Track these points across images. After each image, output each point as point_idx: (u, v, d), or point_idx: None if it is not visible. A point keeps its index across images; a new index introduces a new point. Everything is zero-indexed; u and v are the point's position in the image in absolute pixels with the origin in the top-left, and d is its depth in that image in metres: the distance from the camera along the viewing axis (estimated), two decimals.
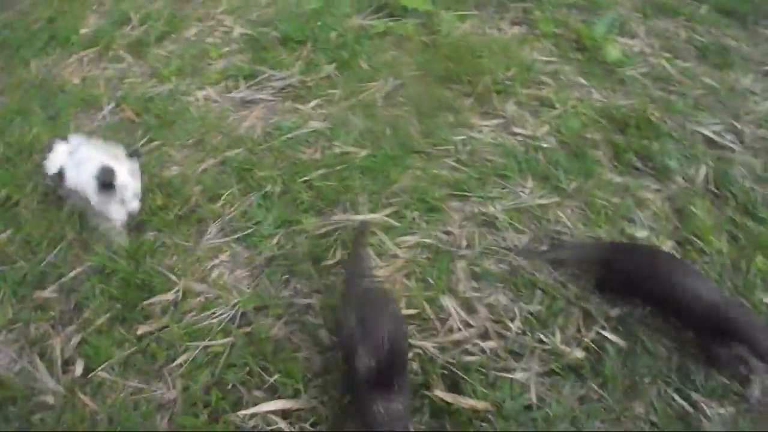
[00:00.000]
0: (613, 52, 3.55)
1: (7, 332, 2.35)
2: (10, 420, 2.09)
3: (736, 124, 3.16)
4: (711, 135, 3.11)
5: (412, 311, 2.37)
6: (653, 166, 2.95)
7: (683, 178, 2.90)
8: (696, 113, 3.22)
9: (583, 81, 3.42)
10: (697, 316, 2.16)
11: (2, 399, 2.14)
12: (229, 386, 2.19)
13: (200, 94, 3.41)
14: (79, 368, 2.23)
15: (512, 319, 2.35)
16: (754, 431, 2.05)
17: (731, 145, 3.06)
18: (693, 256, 2.57)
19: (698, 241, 2.63)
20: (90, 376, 2.22)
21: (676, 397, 2.16)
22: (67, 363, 2.26)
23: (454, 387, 2.16)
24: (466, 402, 2.10)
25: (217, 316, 2.39)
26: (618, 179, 2.90)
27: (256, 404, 2.12)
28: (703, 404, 2.15)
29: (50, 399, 2.14)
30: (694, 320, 2.21)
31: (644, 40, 3.76)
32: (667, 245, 2.62)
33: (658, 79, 3.45)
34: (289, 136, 3.10)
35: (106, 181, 2.44)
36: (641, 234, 2.66)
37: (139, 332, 2.31)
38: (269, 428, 2.06)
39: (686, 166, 2.95)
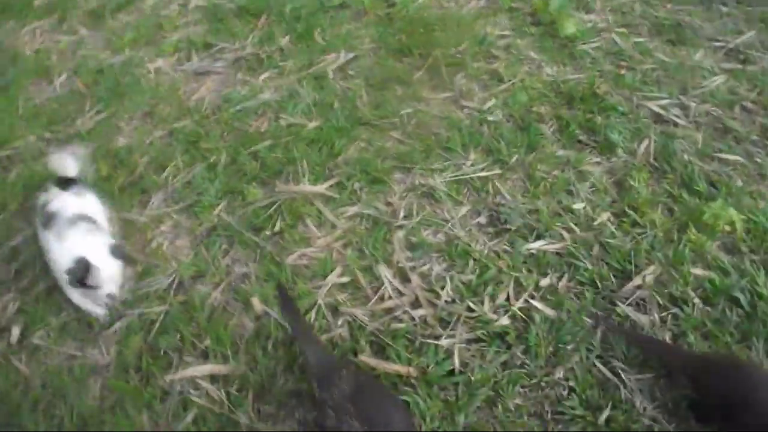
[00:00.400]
0: (567, 27, 3.56)
1: None
2: None
3: (682, 98, 3.19)
4: (657, 109, 3.13)
5: (345, 279, 2.41)
6: (596, 140, 2.98)
7: (625, 152, 2.93)
8: (644, 88, 3.24)
9: (534, 55, 3.44)
10: None
11: None
12: (161, 352, 2.22)
13: (153, 66, 3.41)
14: (14, 335, 2.26)
15: (443, 288, 2.38)
16: None
17: (676, 119, 3.08)
18: (627, 228, 2.60)
19: (633, 214, 2.66)
20: (25, 342, 2.24)
21: (597, 364, 2.21)
22: (3, 331, 2.28)
23: (381, 353, 2.20)
24: (391, 367, 2.15)
25: (154, 284, 2.42)
26: (561, 152, 2.93)
27: (185, 368, 2.16)
28: (622, 371, 2.18)
29: None
30: None
31: (600, 14, 3.76)
32: (603, 217, 2.65)
33: (609, 54, 3.46)
34: (238, 108, 3.12)
35: (81, 279, 2.18)
36: (578, 206, 2.69)
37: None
38: (196, 392, 2.09)
39: (629, 140, 2.98)
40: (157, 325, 2.29)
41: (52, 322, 2.30)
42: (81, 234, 2.27)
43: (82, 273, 2.15)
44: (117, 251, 2.29)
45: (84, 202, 2.44)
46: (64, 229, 2.27)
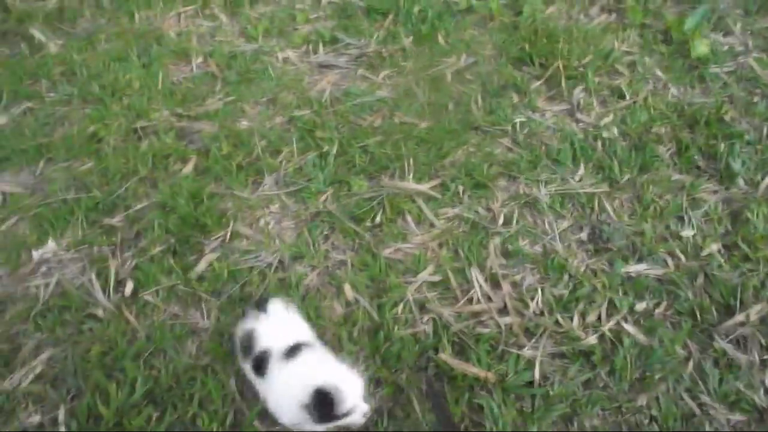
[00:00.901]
0: (699, 47, 3.42)
1: (74, 251, 2.62)
2: (65, 324, 2.35)
3: None
4: None
5: (436, 278, 2.45)
6: (716, 168, 2.85)
7: (746, 183, 2.78)
8: None
9: (660, 74, 3.33)
10: None
11: (62, 306, 2.41)
12: None
13: (282, 55, 3.58)
14: (128, 289, 2.46)
15: (533, 299, 2.37)
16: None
17: None
18: (737, 262, 2.48)
19: (746, 248, 2.53)
20: (137, 297, 2.44)
21: (685, 397, 2.13)
22: (120, 284, 2.49)
23: (462, 354, 2.23)
24: (470, 369, 2.17)
25: (258, 261, 2.56)
26: (676, 176, 2.83)
27: None
28: (711, 408, 2.09)
29: (100, 312, 2.39)
30: None
31: (739, 37, 3.58)
32: (713, 248, 2.54)
33: (743, 79, 3.29)
34: (356, 102, 3.22)
35: (329, 411, 1.77)
36: (687, 233, 2.60)
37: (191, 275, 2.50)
38: None
39: (753, 171, 2.83)
40: (256, 297, 2.40)
41: (163, 282, 2.48)
42: (307, 363, 1.89)
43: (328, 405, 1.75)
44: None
45: (289, 321, 2.09)
46: (283, 365, 1.89)
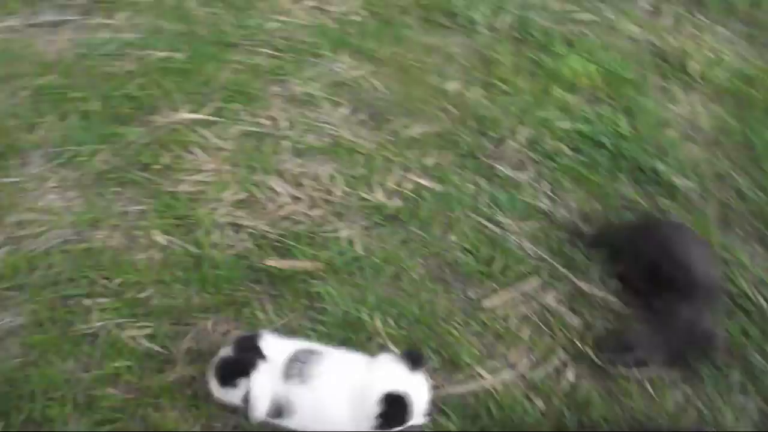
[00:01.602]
0: None
1: None
2: None
3: None
4: None
5: (241, 196, 2.48)
6: (459, 22, 3.09)
7: (487, 29, 3.06)
8: None
9: None
10: None
11: None
12: (74, 300, 2.25)
13: (2, 25, 3.24)
14: None
15: (335, 185, 2.49)
16: None
17: None
18: (497, 97, 2.77)
19: (501, 84, 2.82)
20: None
21: (486, 223, 2.40)
22: None
23: (287, 255, 2.31)
24: (298, 264, 2.26)
25: (54, 239, 2.41)
26: (427, 39, 3.03)
27: (103, 311, 2.20)
28: (509, 225, 2.39)
29: None
30: None
31: None
32: (474, 92, 2.80)
33: None
34: (101, 52, 3.03)
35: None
36: (450, 86, 2.83)
37: None
38: (122, 331, 2.15)
39: (490, 16, 3.10)
40: (65, 275, 2.29)
41: None
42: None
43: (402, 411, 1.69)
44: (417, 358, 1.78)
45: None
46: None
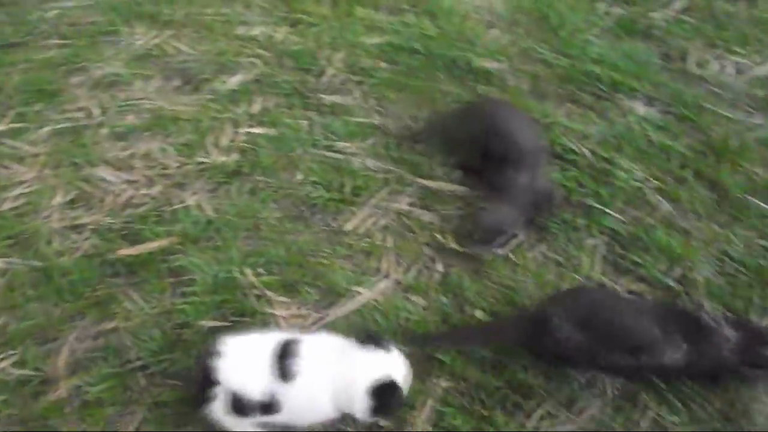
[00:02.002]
0: None
1: None
2: None
3: None
4: None
5: (71, 195, 2.34)
6: None
7: None
8: None
9: None
10: None
11: None
12: None
13: None
14: None
15: (167, 158, 2.42)
16: None
17: None
18: (305, 31, 2.77)
19: (307, 17, 2.82)
20: None
21: (325, 152, 2.44)
22: None
23: (138, 240, 2.23)
24: (152, 245, 2.20)
25: None
26: None
27: None
28: (344, 145, 2.44)
29: None
30: None
31: None
32: (282, 31, 2.78)
33: None
34: None
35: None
36: (257, 31, 2.79)
37: None
38: None
39: None
40: None
41: None
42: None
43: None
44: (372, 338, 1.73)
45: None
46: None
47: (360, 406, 1.65)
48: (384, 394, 1.63)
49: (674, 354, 1.82)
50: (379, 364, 1.67)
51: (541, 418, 1.91)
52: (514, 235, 2.22)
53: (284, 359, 1.65)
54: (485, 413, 1.90)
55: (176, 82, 2.67)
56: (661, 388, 1.94)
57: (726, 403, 1.94)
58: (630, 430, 1.91)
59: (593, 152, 2.44)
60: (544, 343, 1.88)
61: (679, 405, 1.93)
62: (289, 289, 2.13)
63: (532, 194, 2.21)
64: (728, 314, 2.00)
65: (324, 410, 1.71)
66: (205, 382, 1.66)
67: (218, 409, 1.68)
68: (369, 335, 1.74)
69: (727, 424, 1.91)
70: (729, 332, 1.84)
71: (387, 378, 1.64)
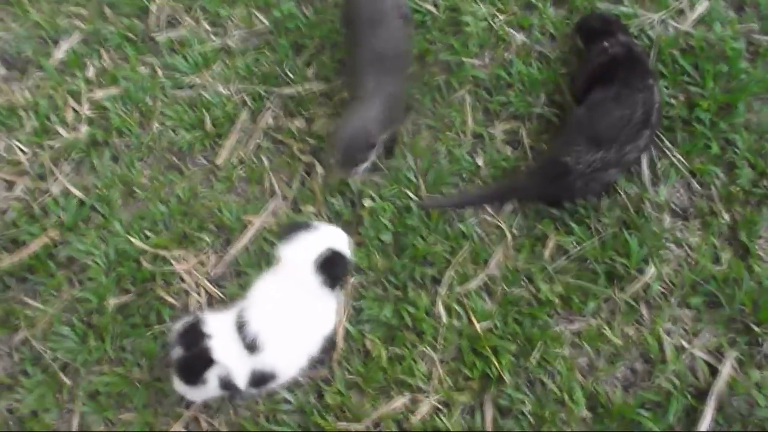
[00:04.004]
0: None
1: None
2: None
3: None
4: None
5: None
6: None
7: None
8: None
9: None
10: None
11: None
12: None
13: None
14: None
15: (15, 152, 2.29)
16: None
17: None
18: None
19: None
20: None
21: (177, 92, 2.33)
22: None
23: (16, 245, 2.15)
24: (31, 247, 2.13)
25: None
26: None
27: None
28: (195, 80, 2.34)
29: None
30: None
31: None
32: None
33: None
34: None
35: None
36: None
37: None
38: None
39: None
40: None
41: None
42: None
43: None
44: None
45: None
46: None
47: (313, 286, 1.69)
48: (328, 264, 1.69)
49: None
50: (311, 243, 1.71)
51: (452, 282, 1.96)
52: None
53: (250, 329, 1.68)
54: (399, 293, 1.94)
55: (0, 71, 2.48)
56: (555, 215, 2.01)
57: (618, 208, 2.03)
58: (534, 263, 1.99)
59: (435, 5, 2.37)
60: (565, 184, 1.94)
61: (575, 226, 2.00)
62: (181, 241, 2.11)
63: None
64: None
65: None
66: (202, 363, 1.66)
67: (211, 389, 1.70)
68: (287, 226, 1.83)
69: (623, 227, 2.00)
70: None
71: (327, 251, 1.69)
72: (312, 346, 1.77)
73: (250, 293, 1.77)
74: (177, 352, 1.71)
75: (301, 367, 1.80)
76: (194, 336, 1.69)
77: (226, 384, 1.69)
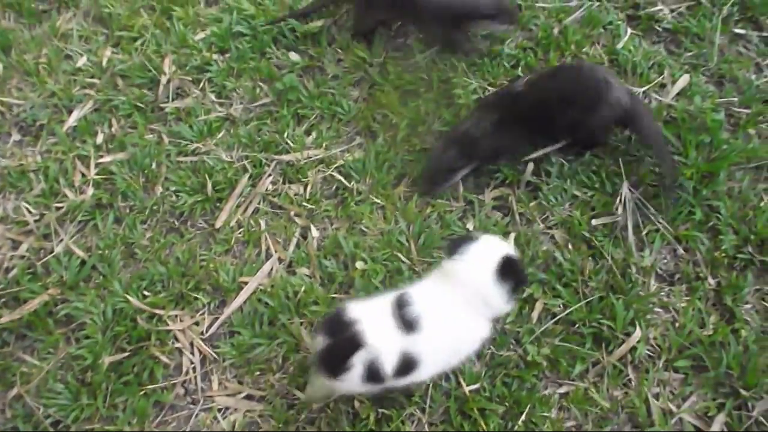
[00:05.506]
0: None
1: None
2: None
3: None
4: None
5: None
6: None
7: None
8: None
9: None
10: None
11: None
12: None
13: None
14: None
15: (24, 213, 2.37)
16: None
17: None
18: (128, 46, 2.73)
19: (128, 33, 2.79)
20: None
21: (181, 158, 2.42)
22: None
23: (18, 303, 2.21)
24: (31, 304, 2.18)
25: None
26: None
27: None
28: (200, 147, 2.44)
29: None
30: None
31: None
32: (106, 54, 2.73)
33: None
34: None
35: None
36: (81, 61, 2.75)
37: None
38: None
39: None
40: None
41: None
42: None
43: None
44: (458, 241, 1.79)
45: None
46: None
47: (495, 298, 1.67)
48: (509, 270, 1.66)
49: None
50: (483, 254, 1.69)
51: None
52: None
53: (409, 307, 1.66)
54: None
55: (15, 137, 2.60)
56: (543, 279, 2.05)
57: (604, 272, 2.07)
58: (522, 326, 2.01)
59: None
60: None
61: (562, 289, 2.04)
62: (177, 301, 2.16)
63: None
64: None
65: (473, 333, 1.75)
66: (350, 348, 1.62)
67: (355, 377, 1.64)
68: (452, 241, 1.81)
69: (610, 291, 2.03)
70: None
71: (502, 257, 1.67)
72: (457, 354, 1.78)
73: (415, 286, 1.75)
74: (321, 342, 1.67)
75: (441, 368, 1.80)
76: (339, 324, 1.65)
77: (372, 373, 1.63)
